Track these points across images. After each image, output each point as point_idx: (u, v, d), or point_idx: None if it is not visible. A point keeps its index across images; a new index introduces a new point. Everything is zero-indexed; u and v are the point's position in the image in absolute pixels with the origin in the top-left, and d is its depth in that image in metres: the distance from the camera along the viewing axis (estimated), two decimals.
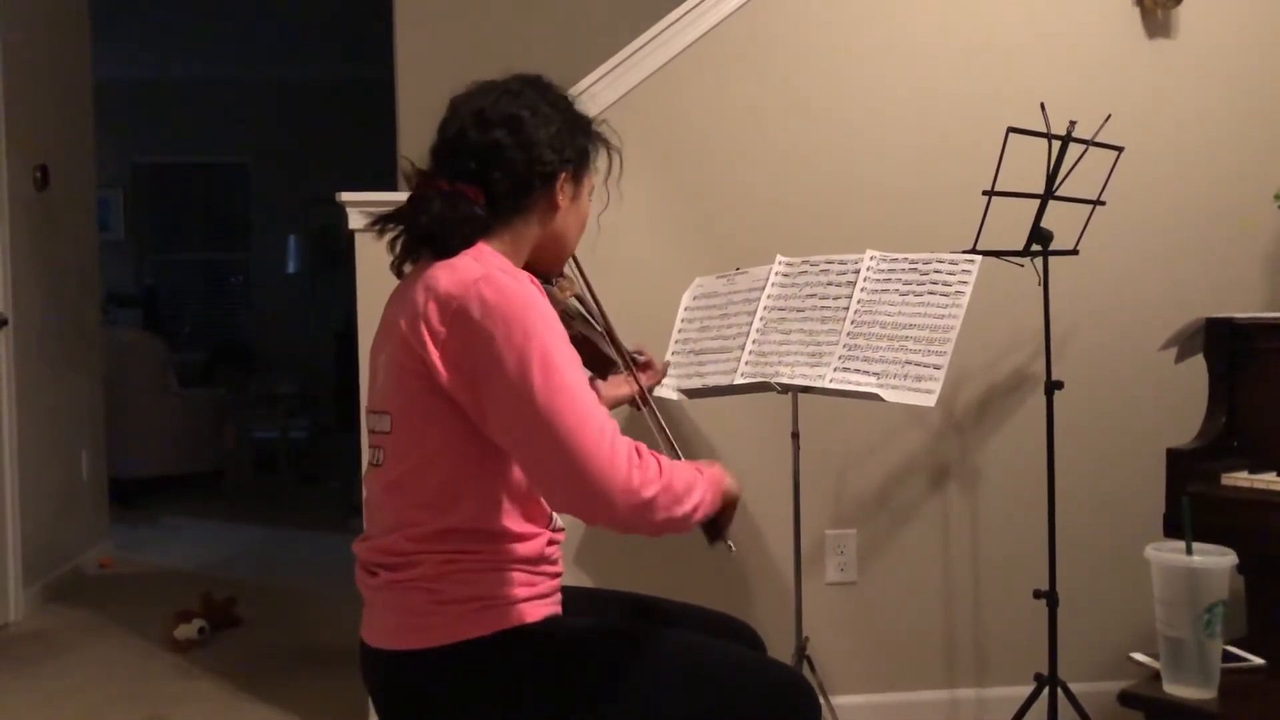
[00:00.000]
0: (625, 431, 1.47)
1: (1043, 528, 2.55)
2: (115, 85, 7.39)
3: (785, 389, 2.32)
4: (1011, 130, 2.31)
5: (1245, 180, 2.94)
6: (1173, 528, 2.26)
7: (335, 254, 7.94)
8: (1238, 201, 2.94)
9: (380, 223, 1.61)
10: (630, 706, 1.52)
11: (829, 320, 2.33)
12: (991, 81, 2.89)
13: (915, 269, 2.30)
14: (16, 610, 4.06)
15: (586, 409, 1.43)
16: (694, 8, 2.82)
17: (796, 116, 2.87)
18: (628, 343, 2.11)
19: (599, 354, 1.91)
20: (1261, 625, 2.33)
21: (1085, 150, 2.43)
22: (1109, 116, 2.46)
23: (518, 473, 1.54)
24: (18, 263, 4.12)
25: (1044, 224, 2.44)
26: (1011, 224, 2.44)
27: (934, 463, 2.91)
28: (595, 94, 2.78)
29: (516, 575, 1.54)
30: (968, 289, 2.23)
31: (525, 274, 1.54)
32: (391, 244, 1.61)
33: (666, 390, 2.48)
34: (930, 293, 2.26)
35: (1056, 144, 2.40)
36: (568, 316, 1.85)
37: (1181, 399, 2.67)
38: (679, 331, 2.56)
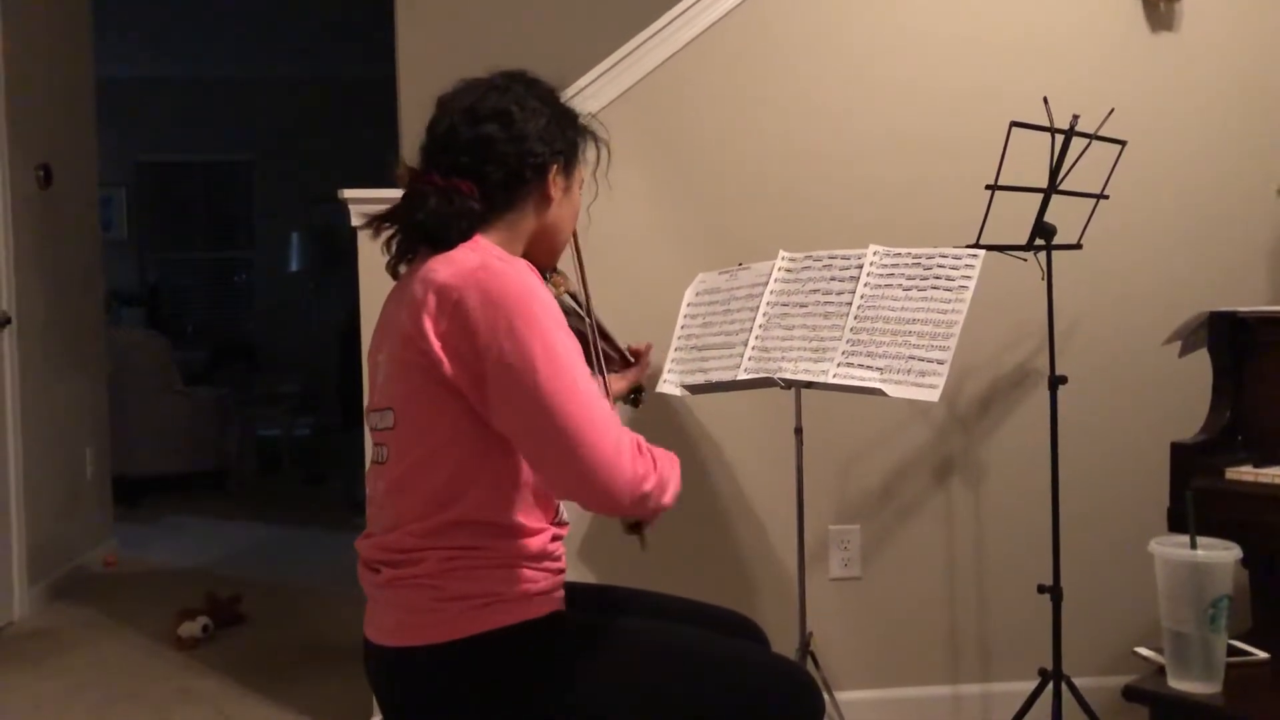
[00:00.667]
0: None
1: (1047, 522, 2.54)
2: (118, 83, 7.40)
3: (788, 384, 2.32)
4: (1015, 124, 2.31)
5: (1248, 173, 2.93)
6: (1177, 522, 2.25)
7: (338, 252, 7.94)
8: (1241, 195, 2.93)
9: (375, 222, 1.61)
10: (633, 702, 1.52)
11: (832, 315, 2.33)
12: (995, 76, 2.88)
13: (919, 264, 2.30)
14: (21, 608, 4.07)
15: (591, 402, 1.44)
16: (694, 4, 2.82)
17: (799, 112, 2.87)
18: (628, 339, 2.12)
19: (590, 350, 1.91)
20: (1266, 619, 2.33)
21: (1088, 144, 2.42)
22: (1112, 110, 2.46)
23: (521, 468, 1.54)
24: (21, 262, 4.13)
25: (1047, 218, 2.44)
26: (1015, 218, 2.43)
27: (938, 458, 2.91)
28: (597, 91, 2.78)
29: (520, 571, 1.53)
30: (971, 283, 2.22)
31: (523, 261, 1.55)
32: (386, 244, 1.61)
33: (669, 386, 2.48)
34: (934, 287, 2.25)
35: (1060, 138, 2.39)
36: (562, 312, 1.85)
37: (1185, 393, 2.67)
38: (682, 327, 2.55)
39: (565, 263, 1.84)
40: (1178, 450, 2.33)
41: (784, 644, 2.38)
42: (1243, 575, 2.27)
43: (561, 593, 1.61)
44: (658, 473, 1.48)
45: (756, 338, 2.40)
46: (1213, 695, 1.83)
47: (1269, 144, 2.94)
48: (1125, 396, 2.92)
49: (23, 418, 4.10)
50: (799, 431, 2.47)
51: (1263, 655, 2.00)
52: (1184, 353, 2.62)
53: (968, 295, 2.21)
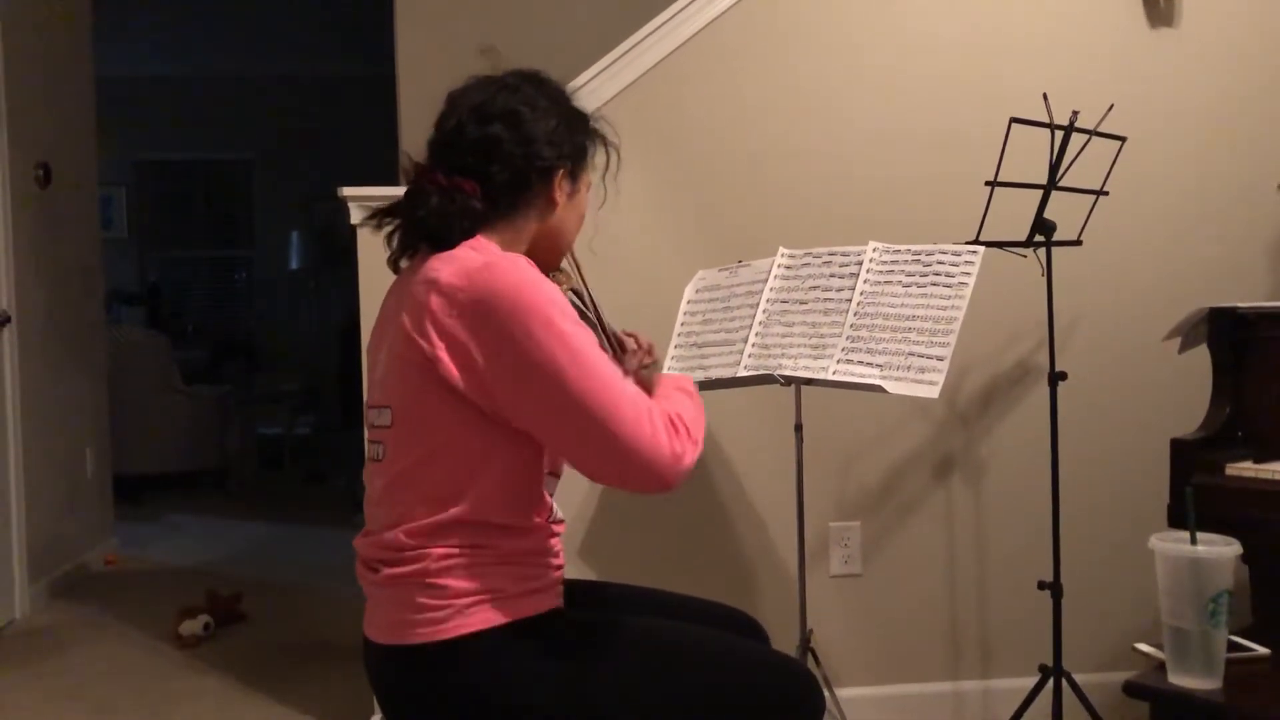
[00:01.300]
0: None
1: (1047, 519, 2.54)
2: (117, 82, 7.39)
3: (788, 381, 2.32)
4: (1014, 120, 2.30)
5: (1248, 169, 2.93)
6: (1177, 518, 2.25)
7: (338, 250, 7.94)
8: (1241, 190, 2.93)
9: (377, 216, 1.61)
10: (633, 699, 1.52)
11: (832, 312, 2.33)
12: (994, 71, 2.88)
13: (918, 260, 2.30)
14: (22, 607, 4.07)
15: (619, 387, 1.45)
16: (692, 1, 2.81)
17: (798, 108, 2.87)
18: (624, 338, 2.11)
19: None
20: (1266, 615, 2.33)
21: (1088, 140, 2.42)
22: (1111, 106, 2.46)
23: (519, 466, 1.53)
24: (20, 261, 4.13)
25: (1047, 214, 2.44)
26: (1014, 215, 2.43)
27: (938, 454, 2.91)
28: (596, 88, 2.78)
29: (518, 569, 1.53)
30: (971, 280, 2.22)
31: (524, 258, 1.54)
32: (388, 238, 1.61)
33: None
34: (933, 284, 2.25)
35: (1059, 134, 2.39)
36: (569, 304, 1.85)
37: (1185, 389, 2.66)
38: (681, 324, 2.55)
39: (565, 262, 1.84)
40: (1178, 446, 2.33)
41: (784, 641, 2.38)
42: (1243, 571, 2.26)
43: (561, 589, 1.61)
44: (696, 441, 1.50)
45: (756, 334, 2.39)
46: (1213, 691, 1.83)
47: (1269, 139, 2.94)
48: (1125, 393, 2.92)
49: (23, 417, 4.10)
50: (799, 428, 2.47)
51: (1263, 651, 2.00)
52: (1184, 349, 2.62)
53: (967, 292, 2.21)
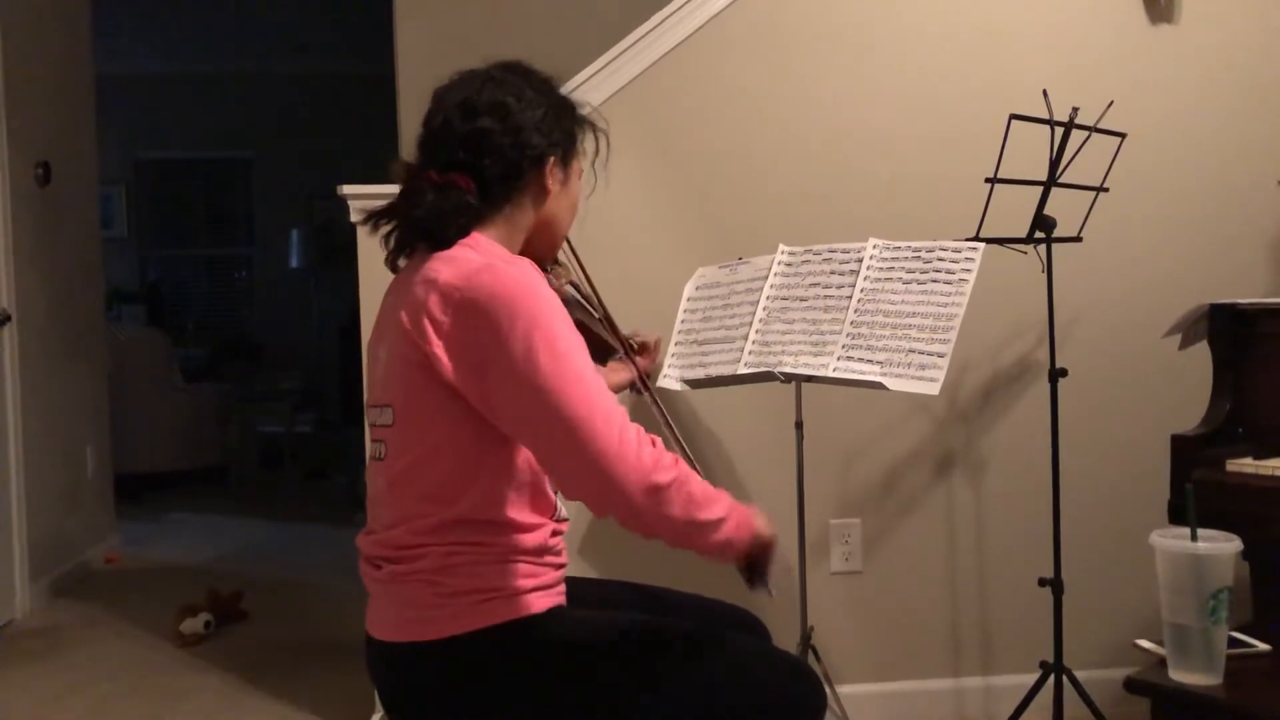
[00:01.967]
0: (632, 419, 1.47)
1: (1047, 515, 2.55)
2: (117, 80, 7.38)
3: (789, 378, 2.32)
4: (1014, 117, 2.30)
5: (1248, 165, 2.93)
6: (1177, 514, 2.25)
7: (338, 248, 7.94)
8: (1241, 187, 2.93)
9: (373, 218, 1.61)
10: (634, 698, 1.52)
11: (832, 309, 2.33)
12: (994, 68, 2.88)
13: (918, 257, 2.30)
14: (23, 606, 4.07)
15: (593, 394, 1.43)
16: None
17: (798, 105, 2.87)
18: (626, 330, 2.11)
19: (596, 341, 1.91)
20: (1267, 611, 2.32)
21: (1088, 137, 2.42)
22: (1111, 103, 2.46)
23: (521, 464, 1.54)
24: (21, 259, 4.13)
25: (1047, 211, 2.44)
26: (1015, 211, 2.43)
27: (938, 451, 2.91)
28: (596, 85, 2.78)
29: (520, 567, 1.54)
30: (971, 277, 2.22)
31: (526, 260, 1.54)
32: (385, 239, 1.61)
33: (670, 381, 2.47)
34: (934, 281, 2.25)
35: (1059, 130, 2.39)
36: (564, 303, 1.85)
37: (1186, 385, 2.66)
38: (682, 322, 2.55)
39: (562, 256, 1.84)
40: (1178, 442, 2.33)
41: (785, 638, 2.38)
42: (1243, 567, 2.26)
43: (563, 587, 1.62)
44: (679, 475, 1.45)
45: (757, 331, 2.39)
46: (1214, 687, 1.83)
47: (1269, 135, 2.94)
48: (1126, 389, 2.92)
49: (24, 415, 4.10)
50: (799, 425, 2.47)
51: (1264, 647, 2.00)
52: (1184, 345, 2.62)
53: (968, 288, 2.21)
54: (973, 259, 2.24)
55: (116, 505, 5.26)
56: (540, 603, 1.55)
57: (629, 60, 2.81)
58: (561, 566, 1.63)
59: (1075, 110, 2.39)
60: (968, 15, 2.89)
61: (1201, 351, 2.49)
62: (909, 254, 2.32)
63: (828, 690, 1.74)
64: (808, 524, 2.55)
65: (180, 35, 7.78)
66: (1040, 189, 2.43)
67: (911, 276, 2.28)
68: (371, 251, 2.65)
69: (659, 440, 1.48)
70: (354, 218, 2.65)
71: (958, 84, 2.88)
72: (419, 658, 1.51)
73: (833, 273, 2.39)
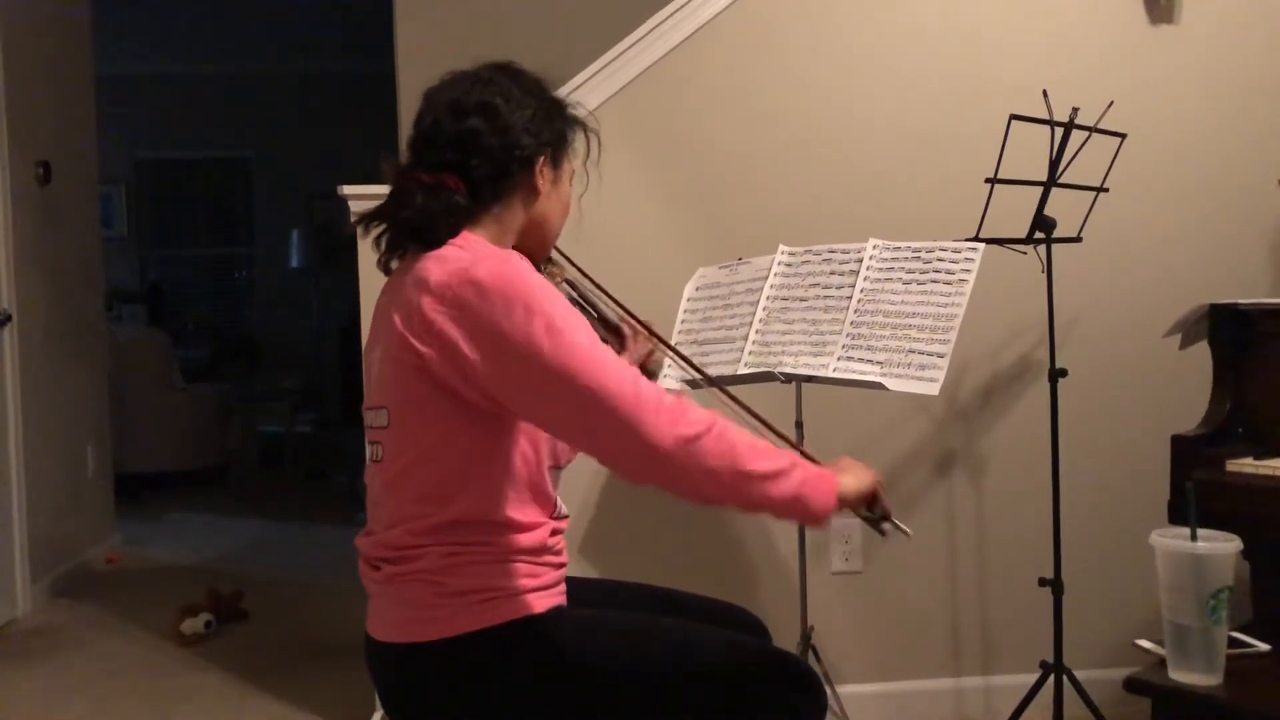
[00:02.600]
0: None
1: (1047, 515, 2.55)
2: (117, 80, 7.38)
3: (789, 379, 2.32)
4: (1014, 118, 2.30)
5: (1249, 165, 2.93)
6: (1177, 514, 2.25)
7: (338, 248, 7.93)
8: (1241, 187, 2.93)
9: (364, 220, 1.61)
10: (635, 697, 1.53)
11: (832, 309, 2.33)
12: (994, 68, 2.88)
13: (918, 257, 2.30)
14: (24, 605, 4.07)
15: (599, 361, 1.42)
16: None
17: (798, 105, 2.87)
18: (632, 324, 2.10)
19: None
20: (1267, 611, 2.33)
21: (1088, 137, 2.42)
22: (1111, 103, 2.46)
23: (518, 462, 1.54)
24: (21, 259, 4.13)
25: (1047, 211, 2.44)
26: (1015, 211, 2.43)
27: (938, 451, 2.91)
28: (596, 85, 2.78)
29: (520, 566, 1.54)
30: (971, 277, 2.22)
31: (513, 252, 1.54)
32: (377, 241, 1.61)
33: (670, 382, 2.47)
34: (933, 281, 2.25)
35: (1059, 131, 2.39)
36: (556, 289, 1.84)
37: (1186, 386, 2.66)
38: (682, 322, 2.55)
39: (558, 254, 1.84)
40: (1178, 442, 2.33)
41: (785, 638, 2.38)
42: (1243, 567, 2.27)
43: (563, 587, 1.62)
44: (713, 427, 1.43)
45: (757, 332, 2.40)
46: (1214, 687, 1.84)
47: (1269, 136, 2.94)
48: (1126, 389, 2.92)
49: (24, 415, 4.10)
50: (799, 425, 2.47)
51: (1264, 647, 2.01)
52: (1185, 345, 2.62)
53: (967, 289, 2.21)
54: (972, 259, 2.24)
55: (117, 505, 5.27)
56: (540, 602, 1.55)
57: (629, 61, 2.81)
58: (562, 566, 1.63)
59: (1075, 111, 2.39)
60: (967, 16, 2.89)
61: (1202, 352, 2.50)
62: (909, 254, 2.32)
63: (828, 690, 1.74)
64: None
65: (180, 35, 7.79)
66: (1040, 189, 2.43)
67: (911, 277, 2.28)
68: (372, 251, 2.67)
69: (686, 399, 1.45)
70: (354, 218, 2.65)
71: (957, 85, 2.88)
72: (419, 658, 1.52)
73: (832, 273, 2.39)
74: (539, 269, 1.76)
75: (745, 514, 1.46)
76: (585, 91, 2.75)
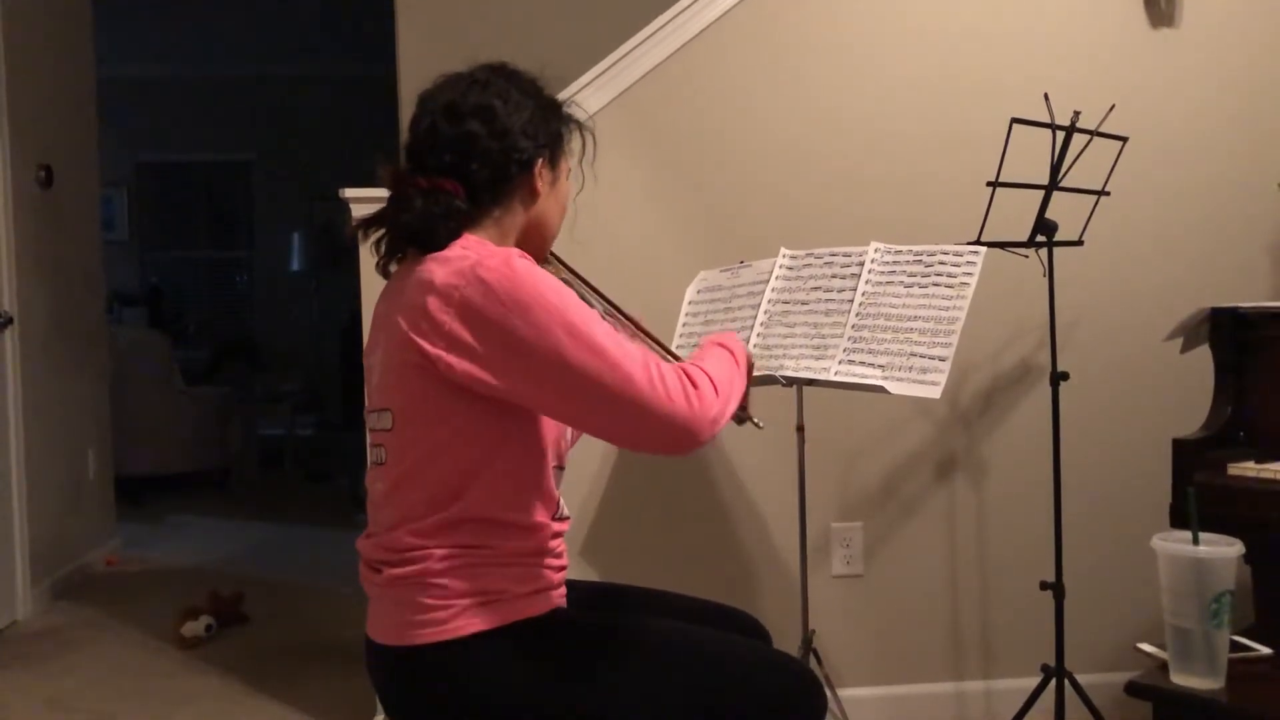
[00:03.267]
0: None
1: (1049, 519, 2.54)
2: (118, 83, 7.40)
3: (790, 382, 2.32)
4: (1015, 121, 2.30)
5: (1250, 169, 2.93)
6: (1179, 518, 2.25)
7: (339, 251, 7.94)
8: (1242, 190, 2.93)
9: (363, 225, 1.61)
10: (636, 700, 1.52)
11: (833, 313, 2.33)
12: (995, 72, 2.88)
13: (920, 260, 2.30)
14: (24, 608, 4.07)
15: (625, 356, 1.45)
16: (694, 2, 2.81)
17: (799, 108, 2.87)
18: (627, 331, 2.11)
19: None
20: (1269, 615, 2.33)
21: (1090, 140, 2.42)
22: (1113, 107, 2.46)
23: (521, 462, 1.54)
24: (22, 262, 4.13)
25: (1048, 215, 2.44)
26: (1016, 215, 2.43)
27: (940, 455, 2.91)
28: (598, 88, 2.78)
29: (520, 569, 1.54)
30: (972, 280, 2.22)
31: (514, 250, 1.54)
32: (376, 245, 1.61)
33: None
34: (935, 284, 2.25)
35: (1061, 134, 2.39)
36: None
37: (1187, 389, 2.66)
38: (683, 325, 2.55)
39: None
40: (1180, 446, 2.33)
41: (786, 641, 2.38)
42: (1245, 571, 2.27)
43: (563, 590, 1.61)
44: (720, 394, 1.53)
45: (758, 335, 2.39)
46: (1215, 691, 1.84)
47: (1270, 139, 2.94)
48: (1127, 393, 2.92)
49: (25, 418, 4.10)
50: (801, 429, 2.47)
51: (1265, 651, 2.00)
52: (1186, 349, 2.62)
53: (969, 292, 2.21)
54: (974, 262, 2.24)
55: (117, 508, 5.27)
56: (541, 605, 1.55)
57: (631, 64, 2.81)
58: (562, 569, 1.62)
59: (1076, 114, 2.39)
60: (969, 19, 2.89)
61: (1203, 355, 2.50)
62: (910, 258, 2.31)
63: (829, 694, 1.74)
64: (809, 528, 2.55)
65: (181, 38, 7.80)
66: (1041, 192, 2.43)
67: (913, 280, 2.28)
68: (371, 255, 2.66)
69: (692, 371, 1.52)
70: (355, 221, 2.65)
71: (959, 88, 2.88)
72: (419, 661, 1.51)
73: (834, 276, 2.39)
74: None
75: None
76: (586, 95, 2.75)
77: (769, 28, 2.85)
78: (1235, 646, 1.94)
